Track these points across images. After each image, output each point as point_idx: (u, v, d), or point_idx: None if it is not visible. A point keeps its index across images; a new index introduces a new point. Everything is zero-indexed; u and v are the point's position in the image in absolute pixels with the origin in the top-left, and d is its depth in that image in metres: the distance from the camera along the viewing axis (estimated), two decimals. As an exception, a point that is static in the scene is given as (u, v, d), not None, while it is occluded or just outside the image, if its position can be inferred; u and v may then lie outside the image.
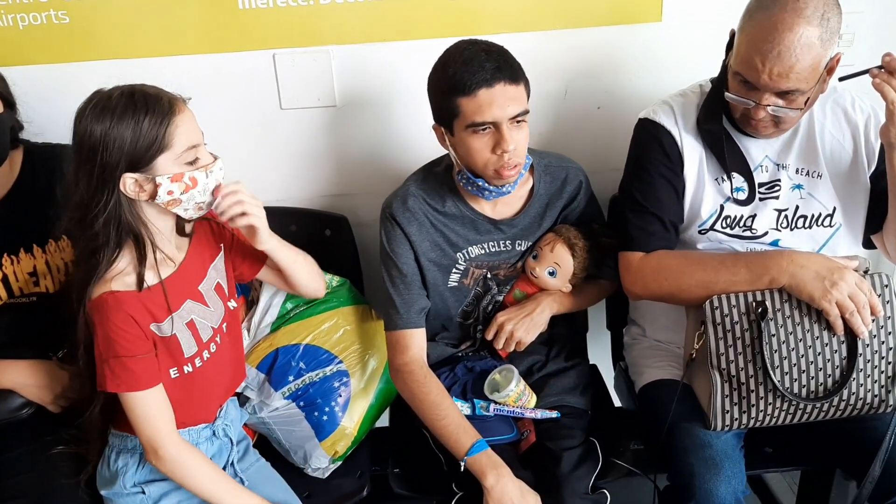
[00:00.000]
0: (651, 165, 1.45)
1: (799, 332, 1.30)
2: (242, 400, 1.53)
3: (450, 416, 1.40)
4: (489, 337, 1.53)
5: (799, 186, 1.44)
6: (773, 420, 1.35)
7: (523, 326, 1.50)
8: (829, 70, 1.27)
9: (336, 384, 1.53)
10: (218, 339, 1.35)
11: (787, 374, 1.30)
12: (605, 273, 1.58)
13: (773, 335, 1.29)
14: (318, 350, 1.55)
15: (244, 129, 1.75)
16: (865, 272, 1.30)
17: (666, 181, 1.44)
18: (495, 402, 1.47)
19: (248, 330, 1.56)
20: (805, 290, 1.28)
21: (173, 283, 1.26)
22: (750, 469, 1.39)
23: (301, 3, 1.63)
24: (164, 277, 1.25)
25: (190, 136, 1.19)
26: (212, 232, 1.38)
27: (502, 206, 1.51)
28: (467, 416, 1.42)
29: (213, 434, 1.38)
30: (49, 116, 1.45)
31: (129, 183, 1.16)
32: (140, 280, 1.21)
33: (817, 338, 1.30)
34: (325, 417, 1.52)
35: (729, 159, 1.41)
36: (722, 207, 1.44)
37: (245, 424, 1.52)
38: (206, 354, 1.32)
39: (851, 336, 1.28)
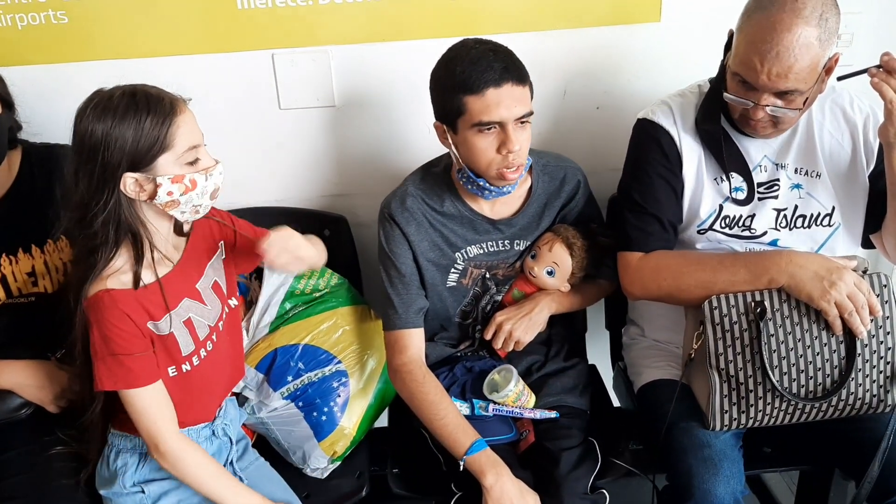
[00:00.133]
0: (649, 166, 1.45)
1: (798, 332, 1.30)
2: (241, 400, 1.53)
3: (449, 415, 1.40)
4: (488, 337, 1.53)
5: (798, 186, 1.44)
6: (772, 420, 1.35)
7: (522, 326, 1.51)
8: (828, 70, 1.27)
9: (335, 384, 1.53)
10: (214, 336, 1.35)
11: (785, 373, 1.30)
12: (603, 273, 1.59)
13: (772, 335, 1.30)
14: (316, 350, 1.55)
15: (243, 130, 1.75)
16: (864, 272, 1.30)
17: (664, 181, 1.44)
18: (494, 402, 1.47)
19: (247, 330, 1.56)
20: (804, 290, 1.28)
21: (170, 281, 1.26)
22: (749, 469, 1.39)
23: (300, 3, 1.63)
24: (161, 276, 1.25)
25: (191, 137, 1.20)
26: (211, 230, 1.39)
27: (501, 206, 1.51)
28: (466, 417, 1.42)
29: (213, 434, 1.38)
30: (47, 117, 1.45)
31: (129, 183, 1.16)
32: (136, 278, 1.22)
33: (816, 338, 1.30)
34: (323, 417, 1.52)
35: (727, 159, 1.41)
36: (721, 207, 1.44)
37: (244, 425, 1.52)
38: (202, 352, 1.32)
39: (850, 336, 1.28)
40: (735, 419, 1.34)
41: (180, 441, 1.27)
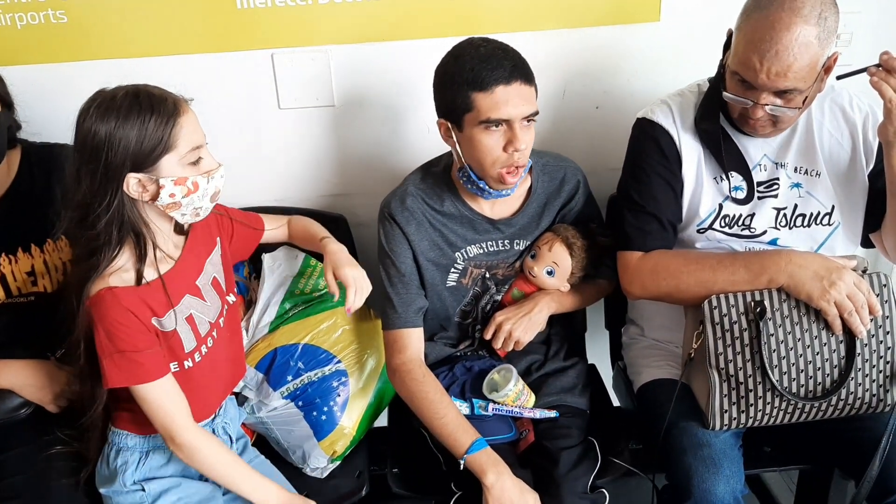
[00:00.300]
0: (648, 165, 1.45)
1: (797, 331, 1.30)
2: (241, 400, 1.53)
3: (448, 414, 1.40)
4: (488, 336, 1.53)
5: (797, 185, 1.44)
6: (772, 419, 1.35)
7: (522, 326, 1.51)
8: (827, 69, 1.28)
9: (335, 384, 1.53)
10: (214, 333, 1.35)
11: (785, 373, 1.30)
12: (603, 273, 1.59)
13: (772, 335, 1.30)
14: (316, 350, 1.54)
15: (242, 129, 1.75)
16: (864, 272, 1.30)
17: (663, 181, 1.44)
18: (494, 402, 1.47)
19: (247, 329, 1.56)
20: (803, 289, 1.28)
21: (172, 278, 1.26)
22: (748, 468, 1.39)
23: (299, 2, 1.63)
24: (163, 273, 1.25)
25: (194, 137, 1.20)
26: (209, 226, 1.39)
27: (500, 206, 1.51)
28: (466, 416, 1.42)
29: (213, 432, 1.38)
30: (47, 116, 1.45)
31: (132, 183, 1.17)
32: (139, 276, 1.22)
33: (816, 337, 1.30)
34: (323, 417, 1.51)
35: (727, 158, 1.41)
36: (720, 206, 1.44)
37: (243, 424, 1.53)
38: (203, 349, 1.32)
39: (850, 336, 1.28)
40: (735, 419, 1.34)
41: (196, 432, 1.28)
